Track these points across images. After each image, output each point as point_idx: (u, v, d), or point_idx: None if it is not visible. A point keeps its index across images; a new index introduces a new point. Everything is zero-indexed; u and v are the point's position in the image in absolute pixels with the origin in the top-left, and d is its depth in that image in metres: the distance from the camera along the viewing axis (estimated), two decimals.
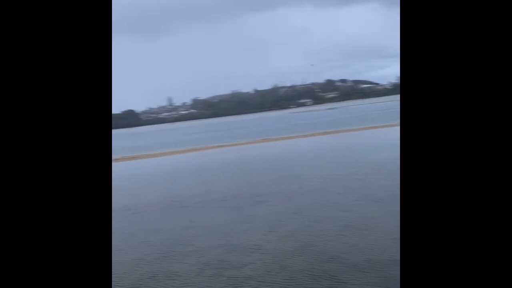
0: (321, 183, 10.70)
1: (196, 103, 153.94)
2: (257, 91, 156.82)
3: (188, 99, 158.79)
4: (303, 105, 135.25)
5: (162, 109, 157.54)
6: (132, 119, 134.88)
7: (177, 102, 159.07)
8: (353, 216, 7.25)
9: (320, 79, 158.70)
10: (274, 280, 4.92)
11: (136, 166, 22.27)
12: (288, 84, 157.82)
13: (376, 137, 22.32)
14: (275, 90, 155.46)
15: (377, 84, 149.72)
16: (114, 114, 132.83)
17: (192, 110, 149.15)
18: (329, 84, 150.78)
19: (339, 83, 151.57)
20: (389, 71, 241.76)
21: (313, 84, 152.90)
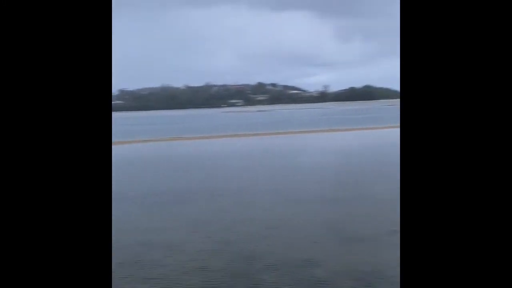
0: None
1: (123, 94, 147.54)
2: (188, 87, 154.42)
3: (114, 89, 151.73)
4: (234, 105, 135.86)
5: None
6: None
7: None
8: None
9: (252, 81, 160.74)
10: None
11: None
12: (220, 83, 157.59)
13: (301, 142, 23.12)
14: (207, 88, 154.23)
15: (304, 91, 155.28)
16: None
17: (118, 101, 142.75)
18: (260, 87, 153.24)
19: (270, 87, 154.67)
20: (317, 79, 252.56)
21: (244, 85, 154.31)
